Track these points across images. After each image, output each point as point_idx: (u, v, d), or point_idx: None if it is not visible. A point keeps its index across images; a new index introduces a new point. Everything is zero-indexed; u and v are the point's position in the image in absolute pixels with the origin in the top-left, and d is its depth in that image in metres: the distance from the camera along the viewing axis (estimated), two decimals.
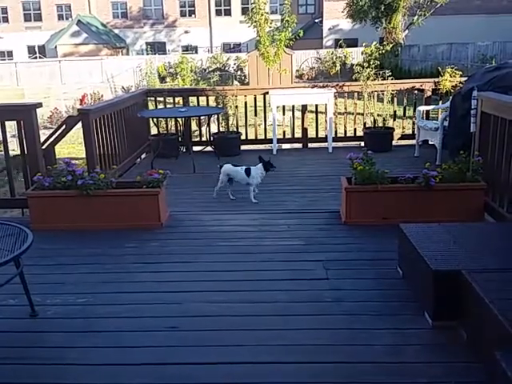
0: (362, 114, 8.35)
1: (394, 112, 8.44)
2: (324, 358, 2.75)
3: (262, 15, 13.01)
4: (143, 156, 8.03)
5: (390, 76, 8.53)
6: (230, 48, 37.53)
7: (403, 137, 8.45)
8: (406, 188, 4.55)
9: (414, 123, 8.18)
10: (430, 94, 8.25)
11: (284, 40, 13.60)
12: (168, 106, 8.62)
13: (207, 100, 8.58)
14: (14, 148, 5.77)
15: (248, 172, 5.57)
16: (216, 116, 8.36)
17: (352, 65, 19.66)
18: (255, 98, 8.42)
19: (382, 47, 25.32)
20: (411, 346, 2.83)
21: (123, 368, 2.76)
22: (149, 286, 3.66)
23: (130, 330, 3.10)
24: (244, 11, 33.99)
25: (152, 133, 8.42)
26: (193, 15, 40.13)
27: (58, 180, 4.70)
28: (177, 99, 8.77)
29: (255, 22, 13.12)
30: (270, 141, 8.20)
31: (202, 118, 8.66)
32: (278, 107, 8.11)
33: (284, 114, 8.60)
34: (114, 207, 4.71)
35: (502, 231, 3.70)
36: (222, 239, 4.48)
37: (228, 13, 39.75)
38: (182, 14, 40.22)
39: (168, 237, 4.59)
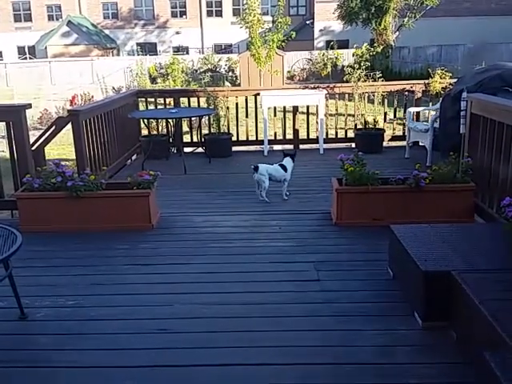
0: (353, 116, 8.37)
1: (385, 113, 8.48)
2: (315, 359, 2.76)
3: (255, 16, 13.01)
4: (134, 157, 8.00)
5: (380, 77, 8.56)
6: (221, 49, 37.50)
7: (394, 138, 8.49)
8: (396, 189, 4.57)
9: (404, 124, 8.21)
10: (420, 95, 8.29)
11: (276, 41, 13.62)
12: (159, 106, 8.59)
13: (198, 101, 8.56)
14: (4, 149, 5.72)
15: (284, 168, 5.57)
16: (207, 117, 8.35)
17: (343, 66, 19.73)
18: (246, 99, 8.42)
19: (372, 49, 25.48)
20: (401, 347, 2.84)
21: (114, 370, 2.75)
22: (140, 288, 3.65)
23: (120, 333, 3.09)
24: (235, 12, 34.10)
25: (143, 134, 8.39)
26: (184, 16, 40.05)
27: (48, 181, 4.68)
28: (168, 100, 8.74)
29: (247, 23, 13.12)
30: (262, 142, 8.20)
31: (193, 119, 8.64)
32: (269, 108, 8.11)
33: (275, 115, 8.60)
34: (105, 209, 4.69)
35: (492, 232, 3.73)
36: (213, 240, 4.47)
37: (219, 14, 39.72)
38: (173, 15, 40.13)
39: (159, 238, 4.57)
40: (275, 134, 8.59)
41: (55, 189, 4.65)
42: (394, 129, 8.56)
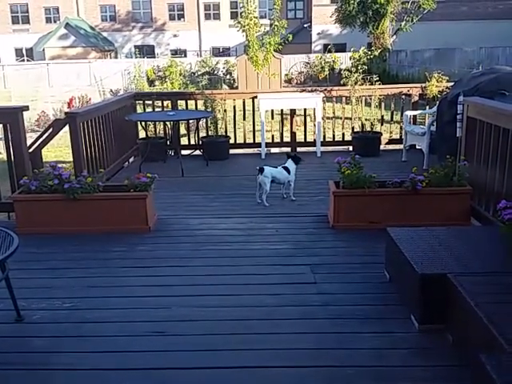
0: (350, 119, 8.39)
1: (382, 117, 8.50)
2: (311, 362, 2.76)
3: (251, 19, 13.01)
4: (131, 160, 8.00)
5: (377, 81, 8.59)
6: (219, 52, 37.53)
7: (391, 141, 8.51)
8: (393, 192, 4.59)
9: (401, 128, 8.24)
10: (417, 98, 8.32)
11: (273, 44, 13.61)
12: (156, 109, 8.60)
13: (196, 104, 8.57)
14: (1, 151, 5.71)
15: (287, 170, 5.58)
16: (205, 120, 8.35)
17: (340, 69, 19.76)
18: (244, 102, 8.43)
19: (370, 52, 25.51)
20: (398, 350, 2.84)
21: (111, 373, 2.75)
22: (137, 291, 3.65)
23: (117, 335, 3.08)
24: (233, 15, 34.12)
25: (140, 136, 8.40)
26: (182, 19, 40.10)
27: (45, 183, 4.68)
28: (165, 103, 8.75)
29: (244, 26, 13.12)
30: (259, 145, 8.21)
31: (190, 121, 8.65)
32: (266, 111, 8.12)
33: (273, 118, 8.61)
34: (102, 211, 4.69)
35: (488, 235, 3.74)
36: (210, 243, 4.47)
37: (217, 17, 39.78)
38: (171, 18, 40.17)
39: (156, 241, 4.57)
40: (272, 136, 8.61)
41: (52, 191, 4.65)
42: (391, 132, 8.58)
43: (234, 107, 8.44)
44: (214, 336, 3.04)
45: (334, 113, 8.51)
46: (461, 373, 2.60)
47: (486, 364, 2.09)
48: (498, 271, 3.04)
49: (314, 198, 5.73)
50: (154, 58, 34.26)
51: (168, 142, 8.14)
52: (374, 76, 8.75)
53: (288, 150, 8.56)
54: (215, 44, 38.65)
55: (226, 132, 8.38)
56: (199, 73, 28.21)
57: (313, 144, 8.29)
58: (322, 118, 8.24)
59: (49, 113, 16.65)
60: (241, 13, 13.66)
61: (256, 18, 13.52)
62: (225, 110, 8.30)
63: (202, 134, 8.56)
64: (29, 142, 5.29)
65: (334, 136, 8.53)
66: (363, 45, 27.02)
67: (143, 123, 7.87)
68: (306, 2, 39.06)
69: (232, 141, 8.37)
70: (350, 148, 8.13)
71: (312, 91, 8.69)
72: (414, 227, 3.69)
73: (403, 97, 8.43)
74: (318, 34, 35.76)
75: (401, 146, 7.81)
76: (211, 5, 39.72)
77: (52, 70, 30.12)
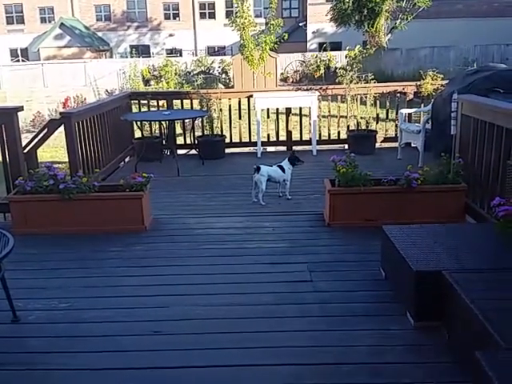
0: (346, 117, 8.40)
1: (377, 115, 8.51)
2: (308, 360, 2.77)
3: (246, 18, 13.02)
4: (127, 159, 7.98)
5: (372, 79, 8.60)
6: (214, 51, 37.48)
7: (386, 139, 8.52)
8: (388, 190, 4.60)
9: (396, 126, 8.25)
10: (412, 97, 8.33)
11: (269, 43, 13.63)
12: (152, 109, 8.59)
13: (191, 103, 8.57)
14: None
15: (282, 169, 5.59)
16: (200, 119, 8.36)
17: (336, 68, 19.79)
18: (239, 101, 8.43)
19: (365, 51, 25.53)
20: (393, 347, 2.85)
21: (108, 372, 2.75)
22: (133, 290, 3.65)
23: (114, 335, 3.09)
24: (228, 14, 34.04)
25: (136, 136, 8.39)
26: (177, 18, 40.03)
27: (40, 184, 4.67)
28: (161, 102, 8.74)
29: (238, 25, 13.13)
30: (255, 144, 8.22)
31: (186, 121, 8.64)
32: (262, 110, 8.12)
33: (268, 117, 8.62)
34: (97, 211, 4.68)
35: (483, 232, 3.75)
36: (206, 242, 4.47)
37: (212, 16, 39.73)
38: (166, 17, 40.10)
39: (152, 240, 4.57)
40: (268, 135, 8.61)
41: (47, 191, 4.64)
42: (386, 130, 8.60)
43: (230, 106, 8.44)
44: (211, 335, 3.05)
45: (329, 111, 8.52)
46: (457, 369, 2.61)
47: (481, 360, 2.09)
48: (493, 268, 3.05)
49: (310, 197, 5.73)
50: (150, 57, 34.17)
51: (164, 142, 8.13)
52: (370, 74, 8.77)
53: (284, 148, 8.58)
54: (210, 43, 38.61)
55: (221, 131, 8.38)
56: (195, 72, 28.15)
57: (308, 143, 8.29)
58: (318, 117, 8.25)
59: (44, 113, 16.60)
60: (236, 12, 13.66)
61: (251, 17, 13.54)
62: (220, 110, 8.30)
63: (198, 133, 8.55)
64: (24, 143, 5.28)
65: (329, 134, 8.54)
66: (358, 43, 27.02)
67: (139, 123, 7.86)
68: (301, 0, 39.05)
69: (228, 140, 8.37)
70: (346, 146, 8.14)
71: (307, 90, 8.70)
72: (409, 225, 3.70)
73: (398, 95, 8.44)
74: (314, 32, 35.75)
75: (396, 144, 7.83)
76: (206, 4, 39.66)
77: (47, 71, 30.04)
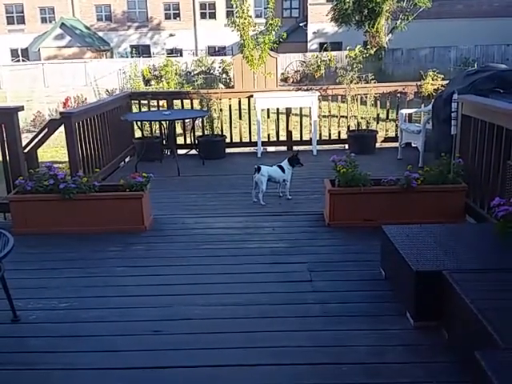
0: (346, 117, 8.41)
1: (377, 115, 8.51)
2: (307, 360, 2.77)
3: (246, 19, 13.02)
4: (127, 159, 7.99)
5: (373, 79, 8.60)
6: (214, 51, 37.48)
7: (386, 139, 8.52)
8: (388, 190, 4.60)
9: (396, 126, 8.25)
10: (412, 97, 8.34)
11: (268, 43, 13.63)
12: (152, 109, 8.59)
13: (191, 103, 8.57)
14: None
15: (282, 169, 5.59)
16: (200, 119, 8.36)
17: (336, 68, 19.78)
18: (240, 101, 8.43)
19: (365, 51, 25.51)
20: (393, 347, 2.86)
21: (108, 372, 2.75)
22: (133, 290, 3.65)
23: (114, 335, 3.09)
24: (229, 14, 34.03)
25: (136, 136, 8.39)
26: (177, 18, 40.03)
27: (40, 184, 4.67)
28: (161, 102, 8.74)
29: (238, 25, 13.13)
30: (255, 144, 8.22)
31: (186, 121, 8.64)
32: (262, 110, 8.12)
33: (269, 117, 8.62)
34: (98, 211, 4.69)
35: (483, 232, 3.75)
36: (206, 242, 4.48)
37: (213, 16, 39.74)
38: (167, 17, 40.11)
39: (152, 240, 4.57)
40: (268, 135, 8.61)
41: (48, 191, 4.64)
42: (386, 130, 8.60)
43: (230, 106, 8.44)
44: (210, 334, 3.05)
45: (329, 111, 8.52)
46: (456, 369, 2.61)
47: (481, 360, 2.09)
48: (493, 268, 3.05)
49: (310, 197, 5.73)
50: (150, 57, 34.19)
51: (164, 142, 8.13)
52: (370, 74, 8.76)
53: (284, 148, 8.59)
54: (211, 43, 38.61)
55: (221, 131, 8.38)
56: (195, 72, 28.16)
57: (309, 143, 8.29)
58: (318, 117, 8.25)
59: (44, 113, 16.61)
60: (235, 12, 13.66)
61: (250, 17, 13.54)
62: (221, 109, 8.30)
63: (198, 133, 8.56)
64: (24, 143, 5.28)
65: (329, 134, 8.54)
66: (359, 43, 27.01)
67: (139, 123, 7.86)
68: (301, 0, 39.04)
69: (228, 140, 8.37)
70: (346, 146, 8.15)
71: (308, 90, 8.70)
72: (409, 225, 3.70)
73: (399, 95, 8.44)
74: (314, 32, 35.75)
75: (396, 144, 7.83)
76: (207, 4, 39.67)
77: (47, 70, 30.06)
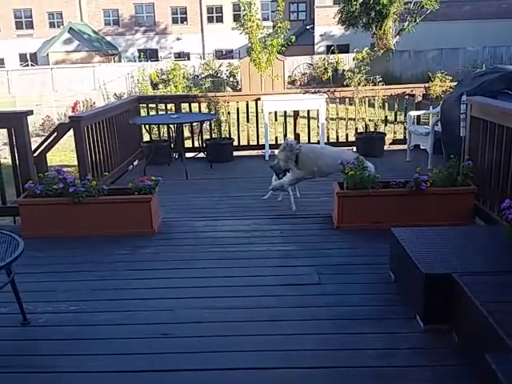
0: (354, 119, 8.39)
1: (386, 117, 8.49)
2: (316, 363, 2.76)
3: (254, 22, 13.06)
4: (135, 163, 8.01)
5: (380, 81, 8.58)
6: (222, 54, 37.60)
7: (395, 142, 8.49)
8: (397, 192, 4.58)
9: (405, 128, 8.22)
10: (420, 99, 8.31)
11: (276, 46, 13.66)
12: (160, 112, 8.62)
13: (199, 106, 8.59)
14: (6, 156, 5.74)
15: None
16: (208, 122, 8.37)
17: (344, 70, 19.78)
18: (247, 104, 8.44)
19: (373, 53, 25.47)
20: (402, 350, 2.84)
21: (117, 375, 2.76)
22: (141, 293, 3.65)
23: (122, 338, 3.09)
24: (236, 18, 34.14)
25: (144, 139, 8.42)
26: (185, 22, 40.21)
27: (50, 187, 4.69)
28: (169, 106, 8.76)
29: (247, 28, 13.17)
30: (263, 147, 8.22)
31: (194, 124, 8.66)
32: (270, 113, 8.13)
33: (276, 120, 8.63)
34: (106, 214, 4.70)
35: (493, 234, 3.73)
36: (214, 245, 4.48)
37: (220, 19, 39.87)
38: (174, 21, 40.28)
39: (160, 243, 4.58)
40: (276, 138, 8.61)
41: (57, 195, 4.67)
42: (394, 132, 8.57)
43: (238, 109, 8.45)
44: (218, 338, 3.05)
45: (337, 114, 8.51)
46: (466, 373, 2.59)
47: (492, 364, 2.08)
48: (503, 270, 3.03)
49: (318, 199, 5.72)
50: (158, 61, 34.33)
51: (172, 145, 8.16)
52: (378, 77, 8.75)
53: None
54: (218, 46, 38.74)
55: (229, 134, 8.39)
56: (202, 75, 28.24)
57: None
58: (326, 119, 8.24)
59: (53, 117, 16.72)
60: (243, 15, 13.70)
61: (259, 20, 13.57)
62: (228, 113, 8.31)
63: (206, 136, 8.57)
64: (33, 147, 5.32)
65: (337, 137, 8.52)
66: (366, 45, 26.99)
67: (147, 126, 7.89)
68: (308, 3, 39.10)
69: (236, 143, 8.37)
70: (354, 149, 8.12)
71: (315, 92, 8.69)
72: (418, 227, 3.69)
73: (407, 97, 8.42)
74: (321, 35, 35.76)
75: (405, 147, 7.80)
76: (214, 8, 39.81)
77: (56, 75, 30.26)
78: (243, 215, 5.31)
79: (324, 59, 28.95)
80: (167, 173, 6.82)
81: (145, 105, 8.70)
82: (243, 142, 8.54)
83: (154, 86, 26.86)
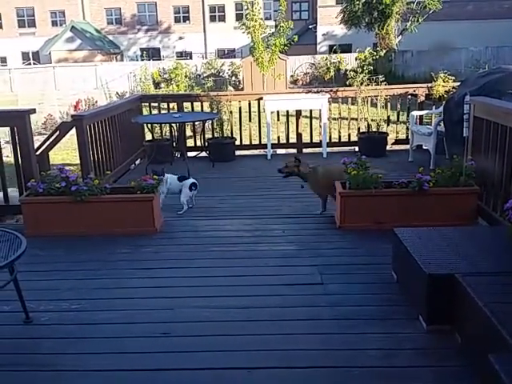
0: (356, 119, 8.38)
1: (388, 117, 8.48)
2: (318, 363, 2.75)
3: (256, 21, 13.06)
4: (138, 162, 8.02)
5: (383, 81, 8.58)
6: (224, 54, 37.59)
7: (397, 142, 8.49)
8: (399, 192, 4.57)
9: (407, 128, 8.22)
10: (423, 99, 8.30)
11: (278, 46, 13.66)
12: (162, 111, 8.61)
13: (201, 105, 8.59)
14: (8, 154, 5.75)
15: (179, 179, 5.50)
16: (210, 121, 8.37)
17: (346, 70, 19.76)
18: (249, 104, 8.44)
19: (375, 53, 25.48)
20: (405, 351, 2.83)
21: (116, 374, 2.76)
22: (143, 292, 3.65)
23: (124, 336, 3.09)
24: (238, 17, 34.15)
25: (146, 138, 8.42)
26: (187, 21, 40.20)
27: (52, 186, 4.69)
28: (171, 105, 8.77)
29: (249, 27, 13.17)
30: (265, 146, 8.22)
31: (196, 123, 8.66)
32: (272, 112, 8.13)
33: (278, 120, 8.63)
34: (109, 213, 4.70)
35: (496, 235, 3.72)
36: (216, 245, 4.47)
37: (222, 19, 39.85)
38: (177, 20, 40.28)
39: (162, 242, 4.58)
40: (278, 137, 8.61)
41: (59, 193, 4.67)
42: (397, 132, 8.57)
43: (240, 109, 8.45)
44: (221, 337, 3.05)
45: (339, 113, 8.50)
46: (469, 373, 2.59)
47: (495, 364, 2.08)
48: (507, 271, 3.02)
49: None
50: (160, 60, 34.35)
51: (174, 144, 8.16)
52: (380, 76, 8.74)
53: (294, 150, 8.58)
54: (220, 46, 38.72)
55: (231, 133, 8.39)
56: (205, 75, 28.25)
57: (319, 145, 8.29)
58: (328, 119, 8.24)
59: (55, 116, 16.73)
60: (246, 15, 13.69)
61: (261, 19, 13.57)
62: (230, 112, 8.31)
63: (208, 135, 8.58)
64: (36, 145, 5.32)
65: (340, 137, 8.52)
66: (369, 45, 27.00)
67: (149, 125, 7.89)
68: (311, 3, 39.06)
69: (238, 142, 8.38)
70: (356, 148, 8.12)
71: (318, 92, 8.69)
72: (421, 227, 3.68)
73: (409, 97, 8.41)
74: (324, 34, 35.73)
75: (407, 147, 7.79)
76: (216, 7, 39.79)
77: (58, 74, 30.28)
78: (245, 214, 5.31)
79: (326, 59, 28.93)
80: (169, 172, 6.80)
81: (147, 104, 8.71)
82: (245, 142, 8.55)
83: (156, 85, 26.88)
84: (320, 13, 35.54)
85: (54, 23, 40.32)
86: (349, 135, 8.52)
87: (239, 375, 2.69)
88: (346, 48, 30.54)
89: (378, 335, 2.98)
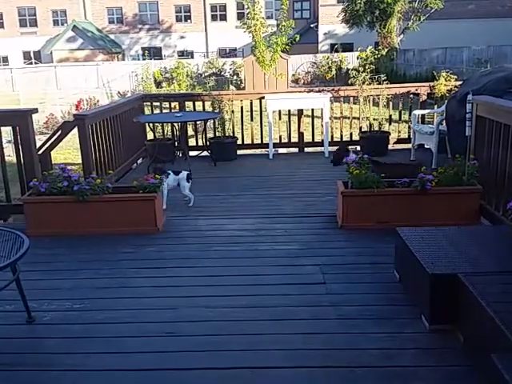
0: (358, 119, 8.37)
1: (390, 116, 8.47)
2: (321, 363, 2.75)
3: (258, 20, 13.03)
4: (139, 161, 8.02)
5: (385, 80, 8.56)
6: (225, 53, 37.58)
7: (399, 141, 8.48)
8: (402, 192, 4.57)
9: (409, 127, 8.20)
10: (425, 98, 8.29)
11: (280, 45, 13.63)
12: (164, 111, 8.61)
13: (203, 105, 8.59)
14: (10, 154, 5.76)
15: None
16: (212, 121, 8.37)
17: (348, 69, 19.75)
18: (251, 103, 8.43)
19: (377, 52, 25.45)
20: (407, 350, 2.83)
21: (119, 373, 2.76)
22: (146, 292, 3.65)
23: (126, 336, 3.09)
24: (239, 16, 34.15)
25: (148, 138, 8.42)
26: (188, 20, 40.18)
27: (54, 185, 4.70)
28: (173, 104, 8.77)
29: (250, 27, 13.14)
30: (267, 145, 8.22)
31: (198, 123, 8.66)
32: (274, 111, 8.13)
33: (280, 119, 8.62)
34: (111, 212, 4.71)
35: (498, 234, 3.71)
36: (218, 244, 4.47)
37: (223, 18, 39.83)
38: (178, 20, 40.26)
39: (164, 242, 4.58)
40: (280, 137, 8.61)
41: (61, 193, 4.67)
42: (399, 131, 8.55)
43: (242, 108, 8.45)
44: (223, 336, 3.05)
45: (341, 113, 8.50)
46: (472, 373, 2.58)
47: (497, 364, 2.07)
48: (509, 270, 3.02)
49: (323, 198, 5.71)
50: (161, 59, 34.34)
51: (176, 143, 8.16)
52: (382, 75, 8.73)
53: (295, 150, 8.57)
54: (222, 45, 38.70)
55: (233, 133, 8.39)
56: (206, 74, 28.27)
57: (321, 144, 8.28)
58: (330, 118, 8.23)
59: (57, 115, 16.75)
60: (247, 14, 13.68)
61: (263, 18, 13.54)
62: (232, 111, 8.31)
63: (210, 134, 8.57)
64: (38, 145, 5.32)
65: (341, 136, 8.51)
66: (370, 44, 26.98)
67: (151, 125, 7.89)
68: (312, 2, 39.02)
69: (239, 141, 8.37)
70: (358, 148, 8.11)
71: (319, 91, 8.68)
72: (423, 227, 3.67)
73: (411, 96, 8.40)
74: (325, 33, 35.70)
75: (409, 146, 7.78)
76: (218, 6, 39.76)
77: (60, 73, 30.31)
78: (247, 214, 5.30)
79: (328, 58, 28.92)
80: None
81: (149, 103, 8.71)
82: (247, 141, 8.54)
83: (158, 84, 26.90)
84: (321, 12, 35.51)
85: (56, 22, 40.31)
86: (350, 134, 8.51)
87: (242, 374, 2.69)
88: (348, 47, 30.52)
89: (380, 335, 2.98)
